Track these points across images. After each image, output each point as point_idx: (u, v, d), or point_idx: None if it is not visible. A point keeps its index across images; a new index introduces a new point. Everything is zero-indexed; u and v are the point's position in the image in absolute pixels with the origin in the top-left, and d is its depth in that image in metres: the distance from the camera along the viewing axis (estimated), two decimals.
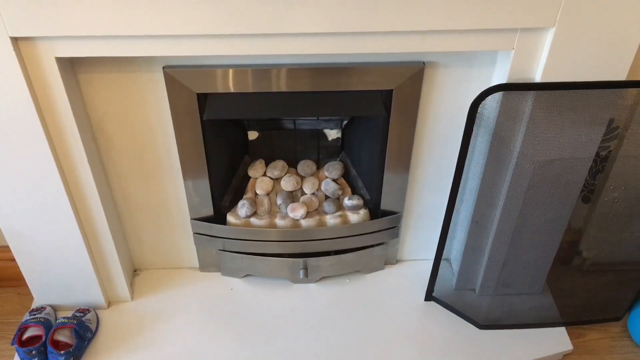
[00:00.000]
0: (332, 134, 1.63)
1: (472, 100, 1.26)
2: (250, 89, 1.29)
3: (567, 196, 1.38)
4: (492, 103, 1.26)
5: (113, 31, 1.10)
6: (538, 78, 1.21)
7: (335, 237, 1.58)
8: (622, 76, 1.21)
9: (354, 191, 1.64)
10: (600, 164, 1.59)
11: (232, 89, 1.29)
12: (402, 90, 1.32)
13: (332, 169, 1.64)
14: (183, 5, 1.07)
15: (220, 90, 1.29)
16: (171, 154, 1.44)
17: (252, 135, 1.62)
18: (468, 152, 1.31)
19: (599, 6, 1.10)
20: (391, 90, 1.32)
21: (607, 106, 1.23)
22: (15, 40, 1.11)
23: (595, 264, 1.71)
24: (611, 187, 1.44)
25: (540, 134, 1.25)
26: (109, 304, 1.62)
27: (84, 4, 1.06)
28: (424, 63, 1.29)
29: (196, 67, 1.26)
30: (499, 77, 1.29)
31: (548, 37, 1.16)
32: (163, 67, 1.26)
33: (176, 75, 1.26)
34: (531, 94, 1.22)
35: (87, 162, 1.32)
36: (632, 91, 1.31)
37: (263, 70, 1.26)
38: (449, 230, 1.47)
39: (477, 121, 1.29)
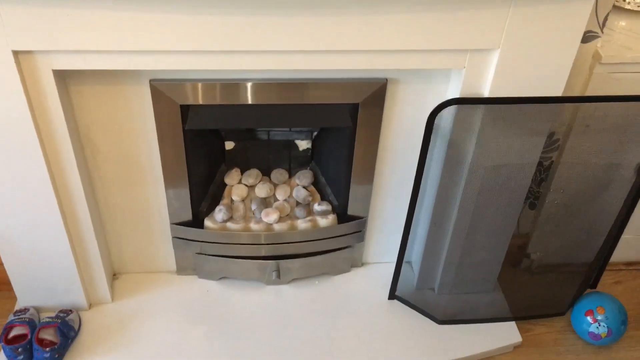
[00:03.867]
0: (303, 144, 1.76)
1: (429, 112, 1.40)
2: (228, 101, 1.41)
3: (514, 200, 1.53)
4: (448, 115, 1.41)
5: (107, 46, 1.21)
6: (486, 93, 1.37)
7: (305, 240, 1.70)
8: (558, 92, 1.38)
9: (323, 197, 1.76)
10: (544, 173, 1.77)
11: (212, 101, 1.41)
12: (367, 103, 1.46)
13: (303, 177, 1.77)
14: (171, 24, 1.19)
15: (202, 102, 1.41)
16: (154, 163, 1.54)
17: (229, 145, 1.73)
18: (426, 160, 1.46)
19: (537, 29, 1.27)
20: (357, 104, 1.46)
21: (545, 119, 1.40)
22: (16, 53, 1.21)
23: (541, 265, 1.87)
24: (552, 193, 1.60)
25: (489, 142, 1.41)
26: (90, 306, 1.70)
27: (81, 21, 1.17)
28: (386, 79, 1.43)
29: (180, 81, 1.37)
30: (453, 92, 1.44)
31: (494, 57, 1.32)
32: (150, 80, 1.37)
33: (162, 88, 1.38)
34: (481, 107, 1.37)
35: (77, 169, 1.42)
36: (567, 106, 1.49)
37: (239, 84, 1.39)
38: (410, 233, 1.61)
39: (434, 132, 1.44)
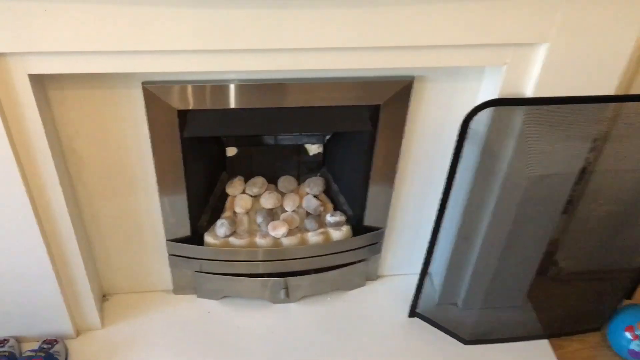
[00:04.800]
0: (314, 148, 1.59)
1: (459, 113, 1.25)
2: (232, 105, 1.24)
3: (554, 210, 1.38)
4: (482, 118, 1.24)
5: (90, 47, 1.03)
6: (530, 93, 1.20)
7: (317, 255, 1.53)
8: (611, 90, 1.21)
9: (336, 207, 1.60)
10: (579, 175, 1.61)
11: (214, 105, 1.23)
12: (390, 105, 1.29)
13: (314, 185, 1.60)
14: (165, 19, 1.01)
15: (202, 106, 1.23)
16: (147, 173, 1.36)
17: (231, 151, 1.56)
18: (457, 169, 1.29)
19: (591, 22, 1.10)
20: (378, 105, 1.29)
21: (595, 121, 1.23)
22: None
23: (572, 273, 1.72)
24: (587, 196, 1.45)
25: (532, 149, 1.24)
26: (78, 333, 1.52)
27: (60, 18, 0.98)
28: (413, 77, 1.26)
29: (177, 83, 1.19)
30: (487, 90, 1.27)
31: (541, 52, 1.15)
32: (142, 83, 1.19)
33: (156, 92, 1.20)
34: (523, 109, 1.21)
35: (59, 184, 1.23)
36: (614, 106, 1.33)
37: (246, 86, 1.21)
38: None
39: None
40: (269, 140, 1.55)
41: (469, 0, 1.06)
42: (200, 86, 1.20)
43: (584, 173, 1.35)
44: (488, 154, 1.30)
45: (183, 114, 1.25)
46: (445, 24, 1.08)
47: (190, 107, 1.23)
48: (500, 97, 1.22)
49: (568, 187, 1.32)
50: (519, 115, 1.22)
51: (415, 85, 1.29)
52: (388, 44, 1.10)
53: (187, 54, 1.09)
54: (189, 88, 1.20)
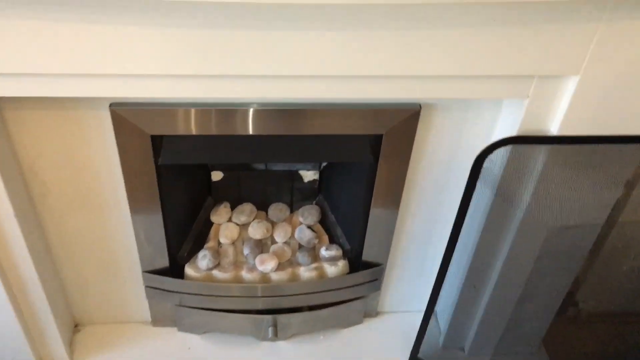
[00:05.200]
0: (309, 175, 1.43)
1: (471, 144, 1.11)
2: (214, 131, 1.09)
3: (577, 260, 1.21)
4: (499, 155, 1.08)
5: (49, 68, 0.89)
6: (554, 130, 1.04)
7: (310, 292, 1.39)
8: None
9: (332, 240, 1.44)
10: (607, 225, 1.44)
11: (192, 131, 1.09)
12: (394, 134, 1.14)
13: (308, 214, 1.44)
14: (137, 39, 0.86)
15: (179, 132, 1.08)
16: (119, 199, 1.22)
17: (216, 175, 1.41)
18: (467, 210, 1.13)
19: (629, 53, 0.94)
20: (380, 135, 1.13)
21: (628, 164, 1.07)
22: None
23: (593, 315, 1.57)
24: (619, 252, 1.29)
25: (554, 195, 1.08)
26: None
27: (11, 34, 0.84)
28: (420, 106, 1.10)
29: (150, 106, 1.05)
30: (505, 124, 1.12)
31: (570, 85, 0.98)
32: (110, 105, 1.04)
33: (126, 115, 1.05)
34: (545, 148, 1.05)
35: (12, 210, 1.08)
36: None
37: (229, 111, 1.06)
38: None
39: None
40: (259, 164, 1.40)
41: (486, 27, 0.89)
42: (175, 110, 1.05)
43: (613, 223, 1.19)
44: (502, 197, 1.14)
45: (158, 140, 1.11)
46: (459, 52, 0.92)
47: (166, 133, 1.09)
48: (520, 133, 1.06)
49: (593, 240, 1.16)
50: (540, 155, 1.06)
51: (424, 113, 1.13)
52: (391, 73, 0.95)
53: (164, 79, 0.94)
54: (165, 112, 1.05)
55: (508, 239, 1.17)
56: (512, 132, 1.07)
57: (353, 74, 0.94)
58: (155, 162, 1.13)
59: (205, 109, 1.05)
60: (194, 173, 1.39)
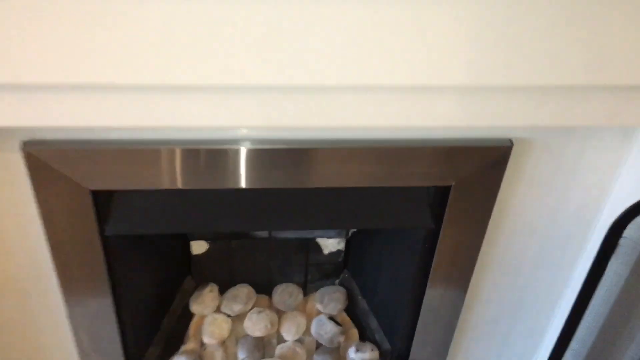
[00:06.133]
0: (330, 244, 1.09)
1: (583, 197, 0.83)
2: (188, 184, 0.76)
3: None
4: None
5: None
6: None
7: None
8: None
9: (364, 336, 1.10)
10: None
11: (157, 184, 0.75)
12: (468, 186, 0.82)
13: (329, 300, 1.11)
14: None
15: (136, 185, 0.74)
16: (47, 283, 0.86)
17: (198, 247, 1.05)
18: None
19: None
20: (448, 187, 0.80)
21: None
22: None
23: None
24: None
25: None
26: None
27: None
28: (511, 142, 0.75)
29: (87, 144, 0.70)
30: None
31: None
32: (23, 143, 0.68)
33: (49, 160, 0.72)
34: None
35: None
36: None
37: (211, 152, 0.74)
38: None
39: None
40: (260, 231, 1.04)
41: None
42: (129, 151, 0.70)
43: None
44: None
45: (103, 198, 0.76)
46: (579, 61, 0.56)
47: (116, 187, 0.74)
48: None
49: None
50: None
51: (515, 151, 0.79)
52: (481, 83, 0.58)
53: (85, 94, 0.58)
54: (109, 153, 0.70)
55: None
56: None
57: (408, 84, 0.61)
58: (101, 231, 0.77)
59: (173, 148, 0.72)
60: (165, 244, 1.02)
